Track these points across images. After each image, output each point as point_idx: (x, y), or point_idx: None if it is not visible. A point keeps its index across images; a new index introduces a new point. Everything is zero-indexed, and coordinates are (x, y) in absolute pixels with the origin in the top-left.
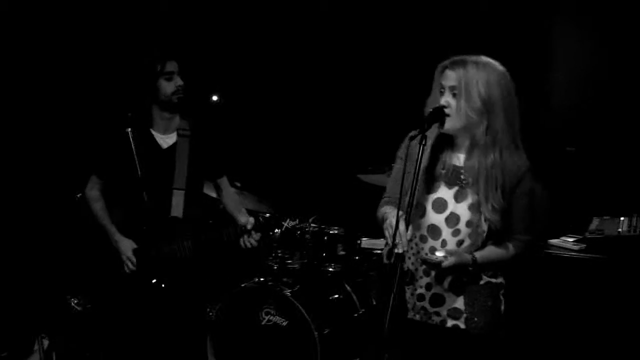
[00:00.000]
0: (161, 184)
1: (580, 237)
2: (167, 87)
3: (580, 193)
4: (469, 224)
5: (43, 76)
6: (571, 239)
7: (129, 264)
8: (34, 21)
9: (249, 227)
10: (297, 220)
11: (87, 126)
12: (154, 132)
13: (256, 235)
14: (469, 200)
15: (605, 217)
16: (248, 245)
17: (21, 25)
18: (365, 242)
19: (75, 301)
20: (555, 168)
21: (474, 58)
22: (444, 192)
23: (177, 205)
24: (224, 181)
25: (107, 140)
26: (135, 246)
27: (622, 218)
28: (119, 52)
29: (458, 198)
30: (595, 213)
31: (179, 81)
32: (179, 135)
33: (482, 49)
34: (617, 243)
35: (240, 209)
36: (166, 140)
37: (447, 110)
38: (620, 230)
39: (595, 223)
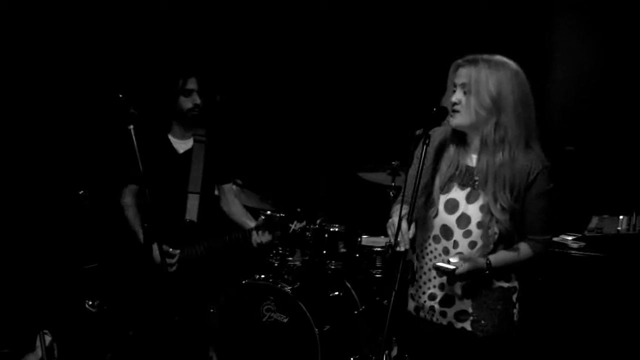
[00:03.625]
0: (176, 188)
1: (580, 235)
2: (185, 103)
3: (580, 192)
4: (479, 225)
5: (49, 74)
6: (570, 237)
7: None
8: (39, 21)
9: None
10: (304, 223)
11: (91, 123)
12: (171, 138)
13: (267, 235)
14: (480, 201)
15: (604, 216)
16: (259, 242)
17: (23, 25)
18: (366, 239)
19: (90, 302)
20: (555, 167)
21: (487, 56)
22: (457, 193)
23: (192, 208)
24: (228, 187)
25: (117, 142)
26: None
27: (621, 216)
28: (122, 51)
29: (470, 199)
30: (594, 211)
31: (197, 99)
32: (195, 140)
33: (483, 47)
34: (616, 241)
35: (247, 214)
36: (182, 145)
37: (457, 107)
38: (619, 228)
39: (594, 221)
